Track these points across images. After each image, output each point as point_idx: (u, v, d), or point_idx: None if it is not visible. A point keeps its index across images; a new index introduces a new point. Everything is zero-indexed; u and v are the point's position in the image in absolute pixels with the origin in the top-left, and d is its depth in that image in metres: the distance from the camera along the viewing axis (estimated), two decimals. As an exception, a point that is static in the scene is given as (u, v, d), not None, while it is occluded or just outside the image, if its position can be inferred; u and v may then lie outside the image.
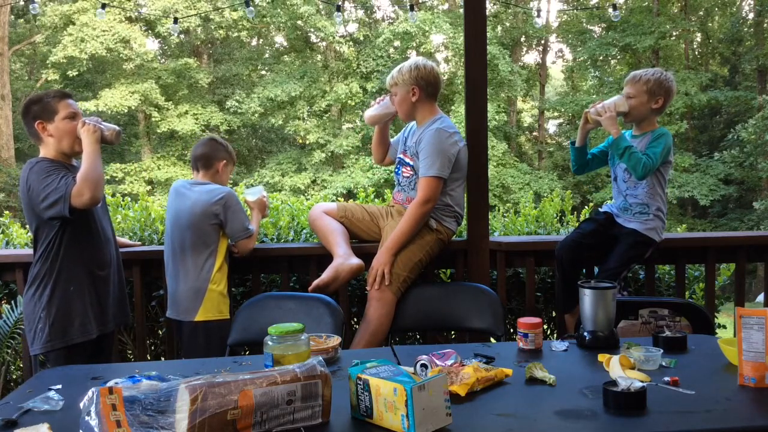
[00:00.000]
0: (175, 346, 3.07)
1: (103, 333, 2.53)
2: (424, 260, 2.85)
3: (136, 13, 18.95)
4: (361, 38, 20.50)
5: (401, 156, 3.02)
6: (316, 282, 2.74)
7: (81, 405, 1.35)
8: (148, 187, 18.12)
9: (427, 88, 2.91)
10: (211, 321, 2.73)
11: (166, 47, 22.83)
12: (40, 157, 2.46)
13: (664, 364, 1.77)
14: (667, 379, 1.62)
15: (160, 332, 3.41)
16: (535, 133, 23.99)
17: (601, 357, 1.80)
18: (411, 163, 2.92)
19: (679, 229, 7.05)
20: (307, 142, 19.15)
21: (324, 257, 2.96)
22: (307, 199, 4.05)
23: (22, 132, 19.42)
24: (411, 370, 1.65)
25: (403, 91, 2.91)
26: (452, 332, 3.26)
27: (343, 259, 2.79)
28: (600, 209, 3.12)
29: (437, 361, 1.72)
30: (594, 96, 20.83)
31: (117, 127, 2.54)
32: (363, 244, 3.00)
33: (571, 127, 20.81)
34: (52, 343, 2.41)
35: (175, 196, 2.87)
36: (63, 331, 2.42)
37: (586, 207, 4.17)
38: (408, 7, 8.19)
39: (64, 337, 2.42)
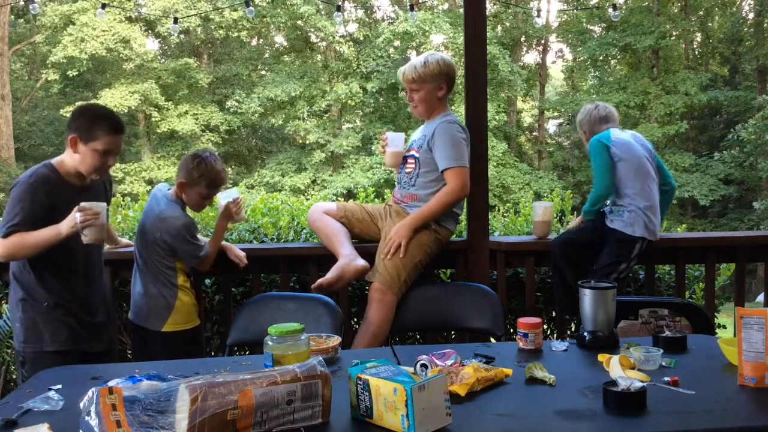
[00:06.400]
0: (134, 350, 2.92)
1: (81, 350, 2.45)
2: (423, 261, 2.85)
3: (136, 13, 18.92)
4: (361, 38, 20.49)
5: (407, 153, 2.99)
6: (320, 281, 2.73)
7: (81, 405, 1.35)
8: (148, 187, 18.06)
9: (452, 83, 2.90)
10: (185, 329, 2.69)
11: (166, 47, 22.82)
12: (49, 169, 2.36)
13: (664, 364, 1.77)
14: (667, 379, 1.62)
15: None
16: (535, 133, 23.98)
17: (601, 357, 1.80)
18: (417, 155, 2.89)
19: (679, 229, 7.05)
20: (307, 142, 19.14)
21: (324, 257, 2.96)
22: (307, 199, 4.05)
23: (22, 132, 19.45)
24: (411, 370, 1.65)
25: (429, 87, 2.85)
26: (452, 332, 3.26)
27: (349, 259, 2.78)
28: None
29: (437, 361, 1.72)
30: (594, 96, 20.82)
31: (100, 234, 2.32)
32: (363, 244, 3.00)
33: (571, 127, 20.77)
34: (25, 345, 2.39)
35: (148, 203, 2.78)
36: (37, 335, 2.38)
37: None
38: (408, 7, 8.19)
39: (37, 343, 2.38)
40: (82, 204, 2.25)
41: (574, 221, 3.33)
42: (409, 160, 2.94)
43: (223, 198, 2.85)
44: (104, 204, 2.35)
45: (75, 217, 2.23)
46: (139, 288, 2.74)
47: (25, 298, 2.39)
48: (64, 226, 2.25)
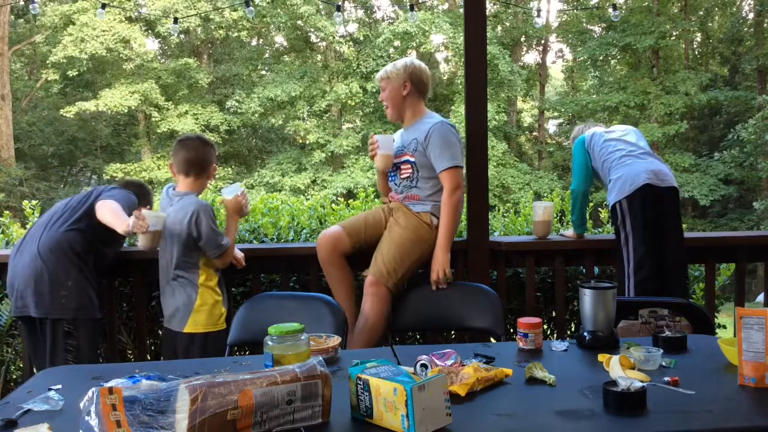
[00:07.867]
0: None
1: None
2: (421, 258, 2.84)
3: (136, 13, 18.92)
4: (361, 38, 20.48)
5: (397, 160, 2.96)
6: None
7: (81, 405, 1.35)
8: (149, 187, 18.07)
9: (419, 84, 2.94)
10: (209, 332, 2.69)
11: (166, 47, 22.82)
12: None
13: (664, 364, 1.77)
14: (667, 379, 1.62)
15: (160, 332, 3.41)
16: (535, 133, 23.97)
17: (601, 357, 1.80)
18: (412, 160, 2.89)
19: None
20: (307, 142, 19.15)
21: (324, 257, 2.95)
22: (307, 199, 4.05)
23: (22, 132, 19.44)
24: (411, 370, 1.65)
25: (394, 85, 2.93)
26: (452, 332, 3.26)
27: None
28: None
29: (437, 361, 1.72)
30: (594, 96, 20.82)
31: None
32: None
33: (571, 127, 20.78)
34: (80, 312, 2.66)
35: (161, 209, 2.81)
36: (90, 303, 2.70)
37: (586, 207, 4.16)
38: (408, 7, 8.19)
39: (90, 311, 2.69)
40: (144, 212, 2.53)
41: (569, 233, 3.34)
42: (403, 166, 2.93)
43: (228, 193, 2.85)
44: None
45: (130, 221, 2.53)
46: (164, 291, 2.76)
47: (81, 268, 2.70)
48: (124, 225, 2.56)
